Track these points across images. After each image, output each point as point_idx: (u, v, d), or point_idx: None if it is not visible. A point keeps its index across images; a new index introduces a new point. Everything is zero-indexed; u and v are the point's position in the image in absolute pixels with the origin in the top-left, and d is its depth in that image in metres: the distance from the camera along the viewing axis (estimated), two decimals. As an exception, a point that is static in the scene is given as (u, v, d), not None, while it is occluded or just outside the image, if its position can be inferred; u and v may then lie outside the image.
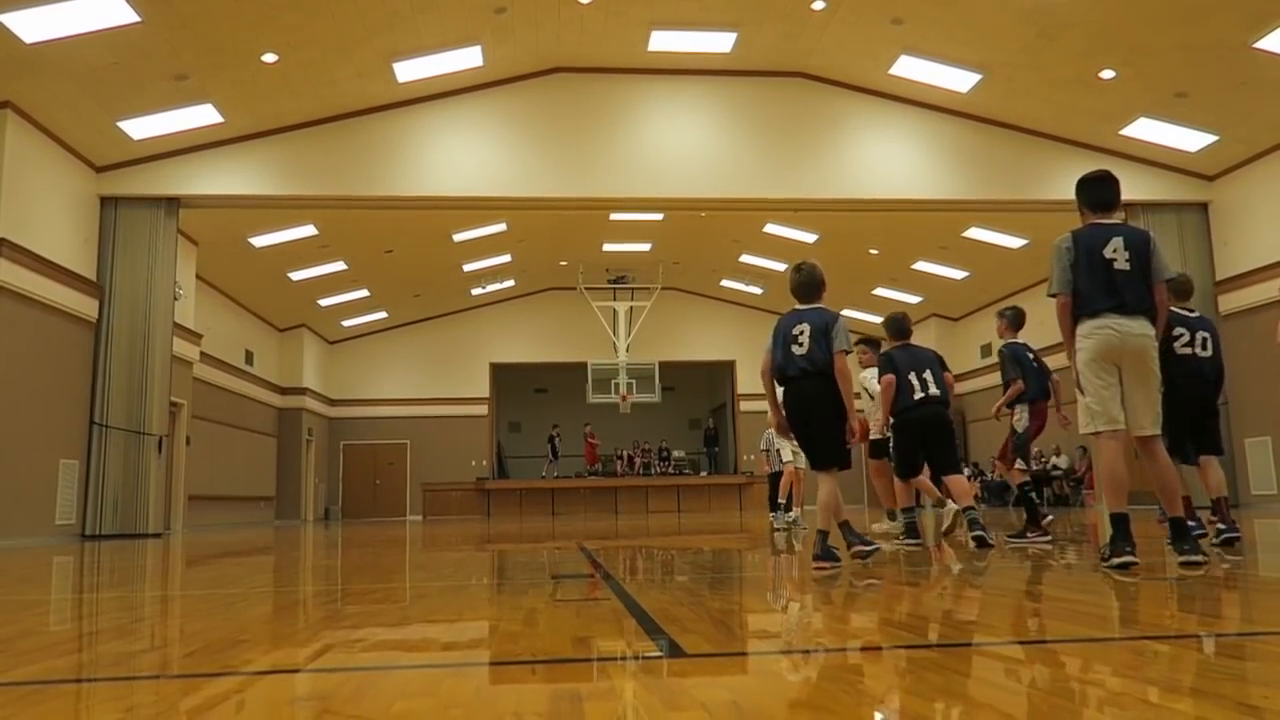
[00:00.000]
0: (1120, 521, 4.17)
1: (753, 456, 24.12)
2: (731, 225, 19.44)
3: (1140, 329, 4.22)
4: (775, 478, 11.96)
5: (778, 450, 11.72)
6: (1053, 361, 6.95)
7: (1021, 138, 14.61)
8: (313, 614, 3.40)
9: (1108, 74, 12.63)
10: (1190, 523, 5.70)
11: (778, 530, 9.55)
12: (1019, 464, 6.68)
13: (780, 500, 10.25)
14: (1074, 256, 4.32)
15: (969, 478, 22.33)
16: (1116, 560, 4.07)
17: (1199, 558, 4.13)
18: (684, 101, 14.61)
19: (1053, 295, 4.38)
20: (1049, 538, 6.49)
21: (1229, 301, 14.20)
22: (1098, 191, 4.48)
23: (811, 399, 4.69)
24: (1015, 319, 6.83)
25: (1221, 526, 5.54)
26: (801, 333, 4.74)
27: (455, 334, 25.09)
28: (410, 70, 13.12)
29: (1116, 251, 4.27)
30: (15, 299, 11.19)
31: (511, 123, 14.25)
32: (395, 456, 24.93)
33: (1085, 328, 4.28)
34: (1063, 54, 12.39)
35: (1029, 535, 6.41)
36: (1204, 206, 14.88)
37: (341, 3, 11.14)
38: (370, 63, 12.67)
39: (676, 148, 14.34)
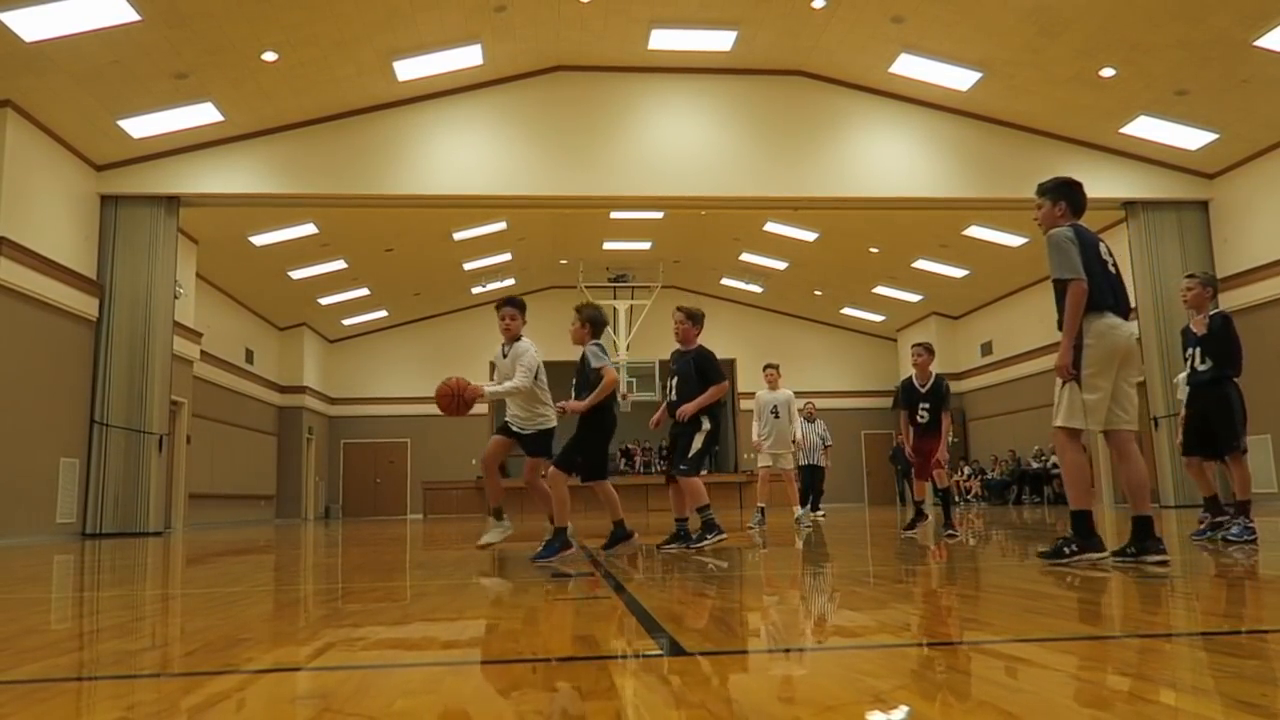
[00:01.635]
0: (1086, 518, 4.33)
1: (752, 455, 24.13)
2: (732, 223, 19.45)
3: (1133, 330, 4.45)
4: (804, 471, 11.97)
5: (804, 445, 11.92)
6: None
7: (1022, 136, 14.61)
8: (314, 612, 3.40)
9: (1108, 72, 12.63)
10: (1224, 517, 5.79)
11: (806, 527, 9.50)
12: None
13: (760, 504, 10.25)
14: (1079, 249, 4.34)
15: (969, 476, 22.47)
16: (1081, 557, 4.23)
17: (1163, 557, 4.21)
18: (684, 100, 14.60)
19: (1073, 279, 4.27)
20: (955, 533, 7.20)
21: (1229, 299, 14.18)
22: (1082, 198, 4.64)
23: None
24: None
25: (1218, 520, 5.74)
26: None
27: (456, 332, 25.09)
28: (410, 68, 13.12)
29: (1108, 254, 4.45)
30: (15, 298, 11.19)
31: (511, 121, 14.25)
32: (396, 455, 24.94)
33: (1099, 325, 4.27)
34: (1063, 52, 12.39)
35: (955, 530, 7.19)
36: (1204, 205, 14.87)
37: (342, 1, 11.13)
38: (370, 61, 12.67)
39: (677, 146, 14.34)
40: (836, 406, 23.66)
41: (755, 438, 10.26)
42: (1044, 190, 4.65)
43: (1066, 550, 4.28)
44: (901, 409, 7.68)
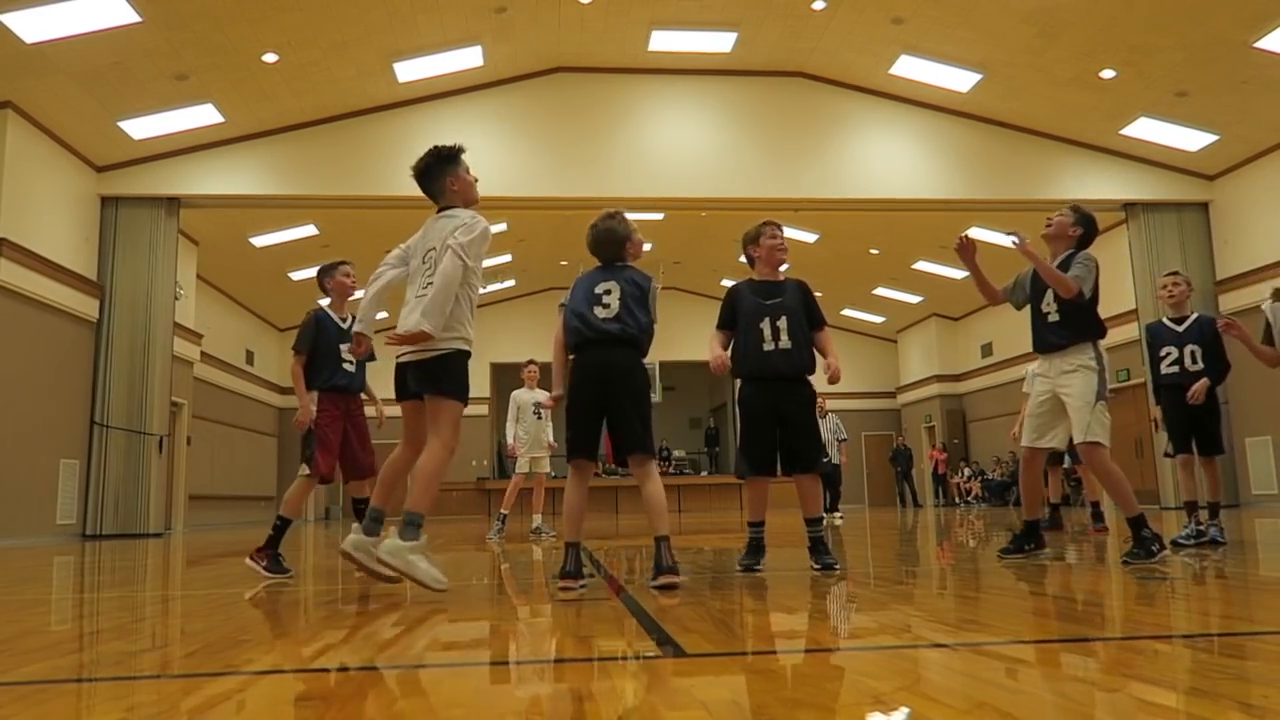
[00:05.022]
0: (1144, 519, 4.53)
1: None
2: (732, 225, 19.40)
3: None
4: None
5: (837, 442, 11.44)
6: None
7: (1022, 137, 14.62)
8: (313, 614, 3.40)
9: (1108, 73, 12.64)
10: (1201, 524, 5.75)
11: (548, 535, 8.82)
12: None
13: (503, 510, 9.14)
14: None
15: (969, 477, 22.45)
16: (1156, 556, 4.42)
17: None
18: (684, 101, 14.61)
19: (1086, 294, 4.68)
20: None
21: (1230, 301, 14.20)
22: (1094, 236, 4.97)
23: (621, 370, 3.79)
24: None
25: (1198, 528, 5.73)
26: (608, 292, 3.94)
27: (456, 334, 25.08)
28: (411, 70, 13.13)
29: None
30: (16, 299, 11.20)
31: (512, 122, 14.25)
32: (396, 456, 24.90)
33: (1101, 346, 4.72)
34: (1063, 53, 12.39)
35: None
36: (1204, 206, 14.88)
37: (342, 2, 11.14)
38: (371, 62, 12.67)
39: (677, 147, 14.34)
40: (836, 408, 23.63)
41: (510, 440, 9.08)
42: (1076, 210, 4.96)
43: (1155, 549, 4.43)
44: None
